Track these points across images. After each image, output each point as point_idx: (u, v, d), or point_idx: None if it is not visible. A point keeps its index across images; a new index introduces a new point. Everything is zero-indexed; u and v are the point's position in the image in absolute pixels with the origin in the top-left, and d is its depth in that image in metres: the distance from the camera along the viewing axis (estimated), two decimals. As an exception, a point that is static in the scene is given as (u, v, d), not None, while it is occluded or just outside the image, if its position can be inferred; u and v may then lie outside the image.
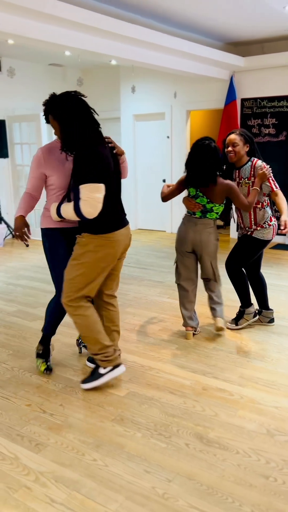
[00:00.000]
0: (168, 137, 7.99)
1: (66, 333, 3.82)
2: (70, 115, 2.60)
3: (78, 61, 7.77)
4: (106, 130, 8.89)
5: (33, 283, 5.24)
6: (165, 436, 2.45)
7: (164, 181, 8.24)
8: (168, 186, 3.66)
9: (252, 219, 3.64)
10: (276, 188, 3.58)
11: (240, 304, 3.88)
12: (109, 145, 2.75)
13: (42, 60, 7.76)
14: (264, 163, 3.59)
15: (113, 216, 2.74)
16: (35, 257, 6.52)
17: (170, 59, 6.10)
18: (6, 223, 7.37)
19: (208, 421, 2.58)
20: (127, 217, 8.50)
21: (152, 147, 8.26)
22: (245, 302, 3.84)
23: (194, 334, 3.73)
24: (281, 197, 3.57)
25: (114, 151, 2.78)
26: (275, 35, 6.46)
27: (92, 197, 2.55)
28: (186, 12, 5.30)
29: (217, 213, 3.55)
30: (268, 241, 3.68)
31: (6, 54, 7.26)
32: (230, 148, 3.57)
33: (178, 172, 8.02)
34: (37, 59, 7.67)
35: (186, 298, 3.67)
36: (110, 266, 2.80)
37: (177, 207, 8.13)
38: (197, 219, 3.54)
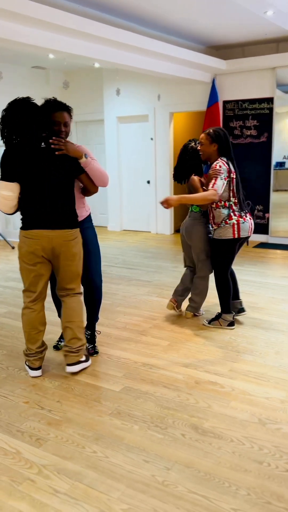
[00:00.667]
0: (151, 139, 8.10)
1: (59, 332, 3.87)
2: (3, 118, 2.80)
3: (62, 64, 7.83)
4: (90, 132, 8.96)
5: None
6: (161, 427, 2.54)
7: (148, 182, 8.35)
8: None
9: (211, 218, 3.79)
10: (212, 188, 3.50)
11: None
12: (52, 146, 2.82)
13: (25, 62, 7.79)
14: (220, 163, 3.55)
15: (32, 215, 2.89)
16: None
17: (154, 62, 6.21)
18: (-9, 225, 7.37)
19: (202, 412, 2.68)
20: (111, 217, 8.60)
21: (136, 149, 8.36)
22: (224, 307, 3.90)
23: (175, 309, 4.22)
24: (202, 194, 3.53)
25: (57, 153, 2.83)
26: (255, 39, 6.63)
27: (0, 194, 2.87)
28: (169, 16, 5.41)
29: (198, 205, 3.86)
30: (228, 240, 3.67)
31: (-11, 57, 7.27)
32: (199, 147, 3.80)
33: (162, 173, 8.13)
34: (20, 61, 7.69)
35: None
36: (34, 264, 2.96)
37: (162, 209, 8.24)
38: (189, 212, 4.05)
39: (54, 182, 2.87)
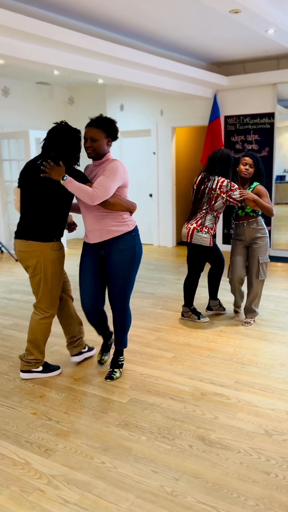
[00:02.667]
0: (154, 153, 8.20)
1: (64, 344, 3.90)
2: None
3: (65, 80, 7.96)
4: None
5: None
6: (169, 438, 2.56)
7: (151, 195, 8.43)
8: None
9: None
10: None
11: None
12: (42, 167, 3.00)
13: (30, 78, 7.92)
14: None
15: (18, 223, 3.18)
16: (24, 271, 6.56)
17: (157, 78, 6.33)
18: (-5, 238, 7.43)
19: (209, 423, 2.70)
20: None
21: (139, 163, 8.46)
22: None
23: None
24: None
25: (42, 175, 2.98)
26: (256, 55, 6.76)
27: None
28: (172, 33, 5.54)
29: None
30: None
31: (-5, 72, 7.40)
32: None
33: (164, 187, 8.22)
34: (25, 77, 7.83)
35: None
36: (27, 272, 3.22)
37: (164, 222, 8.31)
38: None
39: (37, 195, 3.03)
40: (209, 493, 2.13)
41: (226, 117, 7.52)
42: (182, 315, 4.51)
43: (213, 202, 4.06)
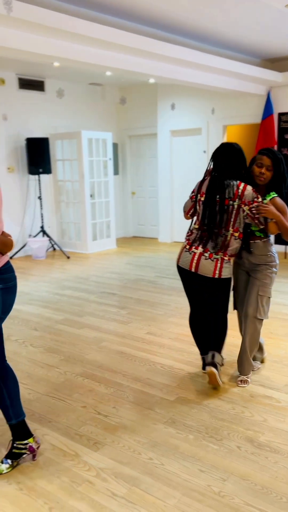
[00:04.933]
0: (204, 151, 8.15)
1: (113, 340, 3.96)
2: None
3: (117, 80, 8.06)
4: (143, 146, 9.13)
5: (77, 293, 5.44)
6: (216, 438, 2.55)
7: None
8: None
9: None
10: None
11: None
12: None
13: (83, 80, 8.09)
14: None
15: None
16: (76, 268, 6.73)
17: (209, 76, 6.28)
18: (48, 236, 7.64)
19: (258, 425, 2.66)
20: (161, 229, 8.68)
21: (188, 162, 8.43)
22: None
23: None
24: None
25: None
26: (313, 50, 6.55)
27: None
28: (224, 31, 5.47)
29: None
30: (177, 267, 3.20)
31: (50, 75, 7.62)
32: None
33: (214, 186, 8.14)
34: (78, 79, 8.00)
35: None
36: None
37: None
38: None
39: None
40: (257, 496, 2.10)
41: (280, 114, 7.34)
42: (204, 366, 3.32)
43: (237, 219, 2.95)
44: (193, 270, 3.01)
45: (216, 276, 2.97)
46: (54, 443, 2.53)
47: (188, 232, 3.15)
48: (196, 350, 3.74)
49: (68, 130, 8.25)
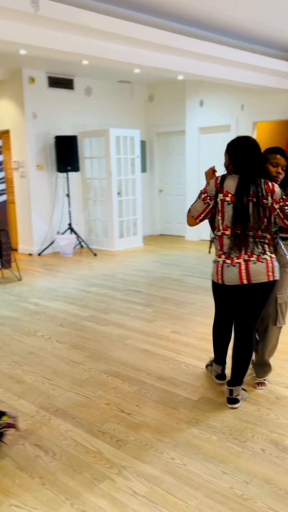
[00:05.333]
0: (233, 149, 8.03)
1: (138, 338, 3.96)
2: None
3: (146, 77, 8.04)
4: (171, 143, 9.09)
5: (103, 290, 5.46)
6: (240, 440, 2.51)
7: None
8: None
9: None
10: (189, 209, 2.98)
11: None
12: None
13: (112, 77, 8.10)
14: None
15: None
16: (102, 265, 6.77)
17: (238, 72, 6.19)
18: (76, 233, 7.70)
19: (283, 428, 2.60)
20: (188, 227, 8.62)
21: (216, 159, 8.32)
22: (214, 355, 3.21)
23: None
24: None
25: None
26: None
27: None
28: (254, 26, 5.37)
29: None
30: (213, 283, 2.94)
31: (79, 73, 7.67)
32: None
33: (243, 184, 8.03)
34: (107, 77, 8.02)
35: None
36: None
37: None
38: None
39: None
40: (281, 500, 2.06)
41: (311, 110, 7.17)
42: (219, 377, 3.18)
43: (271, 217, 2.73)
44: (245, 282, 2.67)
45: (271, 278, 2.68)
46: (77, 439, 2.55)
47: (215, 244, 2.83)
48: (221, 349, 3.69)
49: (96, 128, 8.29)
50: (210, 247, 3.08)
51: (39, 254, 7.78)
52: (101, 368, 3.41)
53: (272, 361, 3.34)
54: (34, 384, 3.19)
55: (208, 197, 2.78)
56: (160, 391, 3.06)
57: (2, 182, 6.58)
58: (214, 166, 3.01)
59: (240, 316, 2.83)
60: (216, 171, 2.98)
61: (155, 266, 6.69)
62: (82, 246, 8.34)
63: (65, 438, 2.56)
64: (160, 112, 9.06)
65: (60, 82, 7.75)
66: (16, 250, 8.15)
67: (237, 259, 2.69)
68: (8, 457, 2.40)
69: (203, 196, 2.80)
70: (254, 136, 7.85)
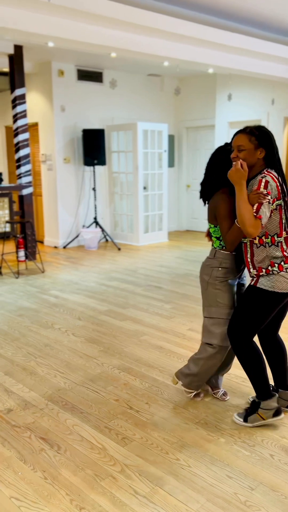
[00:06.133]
0: (263, 144, 7.85)
1: (154, 334, 3.92)
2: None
3: (176, 71, 7.94)
4: (200, 138, 8.97)
5: (124, 285, 5.44)
6: (249, 444, 2.43)
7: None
8: None
9: (249, 258, 2.50)
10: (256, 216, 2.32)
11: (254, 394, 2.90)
12: None
13: (141, 71, 8.04)
14: (268, 179, 2.35)
15: None
16: (125, 260, 6.75)
17: (269, 65, 6.02)
18: (101, 227, 7.71)
19: (295, 434, 2.51)
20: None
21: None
22: (261, 391, 2.57)
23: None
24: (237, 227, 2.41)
25: None
26: None
27: None
28: (285, 17, 5.20)
29: (217, 238, 2.63)
30: (279, 294, 2.43)
31: (108, 66, 7.64)
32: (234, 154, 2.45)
33: (272, 180, 7.83)
34: (136, 70, 7.96)
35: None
36: None
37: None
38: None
39: None
40: (286, 509, 1.98)
41: None
42: (278, 412, 2.58)
43: None
44: None
45: None
46: (83, 434, 2.53)
47: (274, 252, 2.42)
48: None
49: (125, 121, 8.25)
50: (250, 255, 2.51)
51: (64, 247, 7.83)
52: (114, 364, 3.39)
53: None
54: (46, 376, 3.20)
55: (275, 199, 2.37)
56: (171, 390, 3.01)
57: (29, 175, 6.64)
58: (240, 161, 2.37)
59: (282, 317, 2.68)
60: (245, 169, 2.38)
61: (178, 262, 6.62)
62: (107, 240, 8.34)
63: (71, 432, 2.55)
64: (189, 106, 8.94)
65: (89, 75, 7.75)
66: (42, 242, 8.24)
67: None
68: (13, 449, 2.41)
69: (269, 198, 2.33)
70: (286, 132, 7.64)
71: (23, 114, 6.46)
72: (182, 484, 2.15)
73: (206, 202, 2.70)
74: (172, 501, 2.04)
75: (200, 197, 2.72)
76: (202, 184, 2.70)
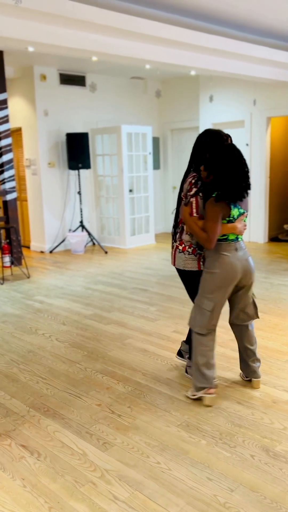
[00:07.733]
0: (247, 144, 7.89)
1: (138, 337, 3.91)
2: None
3: (159, 74, 7.96)
4: (185, 140, 8.99)
5: (109, 289, 5.42)
6: (230, 445, 2.43)
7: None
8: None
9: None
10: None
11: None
12: None
13: (124, 74, 8.04)
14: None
15: None
16: (112, 263, 6.73)
17: (250, 66, 6.05)
18: (87, 230, 7.69)
19: (276, 434, 2.52)
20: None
21: (231, 155, 8.18)
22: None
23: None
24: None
25: None
26: None
27: None
28: (263, 19, 5.23)
29: None
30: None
31: (90, 70, 7.63)
32: None
33: (258, 180, 7.88)
34: (119, 73, 7.96)
35: (212, 351, 2.83)
36: None
37: (256, 216, 7.97)
38: (242, 242, 2.88)
39: None
40: (265, 510, 1.98)
41: None
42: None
43: None
44: None
45: None
46: (64, 440, 2.51)
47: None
48: (222, 350, 3.61)
49: (109, 124, 8.25)
50: None
51: (51, 252, 7.80)
52: (97, 368, 3.37)
53: (272, 362, 3.25)
54: (28, 383, 3.17)
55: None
56: (154, 393, 3.00)
57: (12, 180, 6.61)
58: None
59: None
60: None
61: (164, 264, 6.62)
62: (94, 244, 8.32)
63: (52, 439, 2.53)
64: (173, 108, 8.96)
65: (72, 79, 7.74)
66: (29, 247, 8.20)
67: None
68: (-7, 457, 2.39)
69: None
70: (268, 132, 7.68)
71: (5, 120, 6.43)
72: (162, 487, 2.14)
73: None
74: (151, 505, 2.03)
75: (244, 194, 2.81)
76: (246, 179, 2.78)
